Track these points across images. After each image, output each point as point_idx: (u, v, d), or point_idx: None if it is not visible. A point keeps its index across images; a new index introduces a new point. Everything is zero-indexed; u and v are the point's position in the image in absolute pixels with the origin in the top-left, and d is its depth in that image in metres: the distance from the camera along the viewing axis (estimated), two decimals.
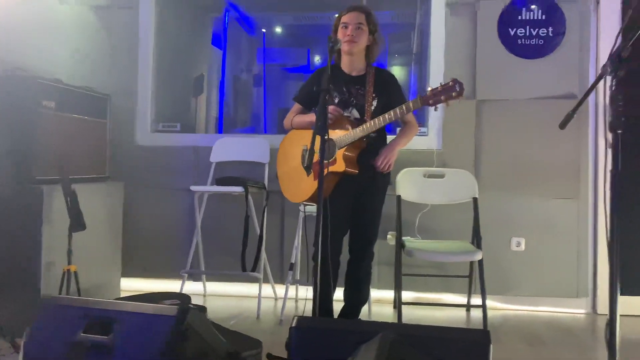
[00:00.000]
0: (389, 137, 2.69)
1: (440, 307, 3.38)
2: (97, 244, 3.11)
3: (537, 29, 3.39)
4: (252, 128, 6.98)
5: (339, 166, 2.47)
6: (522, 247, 3.36)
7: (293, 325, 1.67)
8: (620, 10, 3.31)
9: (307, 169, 2.10)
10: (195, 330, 1.74)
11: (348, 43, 2.51)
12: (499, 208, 3.35)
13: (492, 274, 3.17)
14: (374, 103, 2.58)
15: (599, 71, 1.62)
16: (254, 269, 3.18)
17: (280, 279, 3.51)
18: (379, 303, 3.41)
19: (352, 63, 2.63)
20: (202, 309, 2.81)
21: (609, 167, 1.60)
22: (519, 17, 3.41)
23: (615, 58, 1.52)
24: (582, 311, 3.35)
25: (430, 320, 3.11)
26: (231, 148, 3.55)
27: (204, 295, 3.59)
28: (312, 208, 3.04)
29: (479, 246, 2.94)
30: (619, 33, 1.78)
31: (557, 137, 3.24)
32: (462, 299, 3.34)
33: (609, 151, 1.58)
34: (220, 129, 5.65)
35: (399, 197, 3.10)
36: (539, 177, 3.35)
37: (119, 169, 3.47)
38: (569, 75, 3.36)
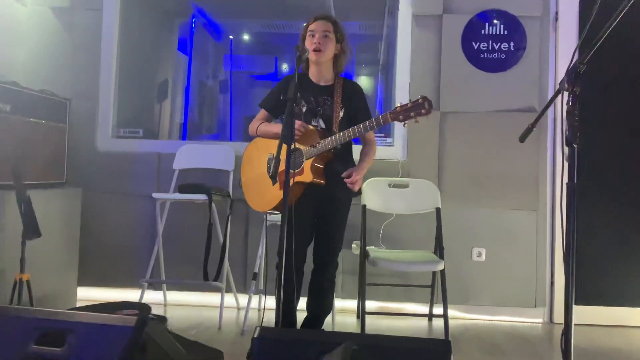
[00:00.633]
0: (355, 147, 2.69)
1: (403, 317, 3.40)
2: (52, 252, 3.01)
3: (499, 44, 3.48)
4: (217, 135, 6.91)
5: (307, 176, 2.46)
6: (483, 257, 3.42)
7: (255, 335, 1.65)
8: (577, 27, 3.43)
9: (273, 178, 2.08)
10: (154, 341, 1.69)
11: (315, 52, 2.52)
12: (460, 218, 3.40)
13: (453, 284, 3.22)
14: (341, 114, 2.59)
15: (557, 86, 1.67)
16: (216, 279, 3.14)
17: (243, 288, 3.47)
18: (343, 313, 3.41)
19: (319, 72, 2.63)
20: (162, 319, 2.76)
21: (566, 179, 1.64)
22: (482, 32, 3.49)
23: (572, 74, 1.57)
24: (540, 320, 3.43)
25: (393, 330, 3.13)
26: (195, 155, 3.50)
27: (165, 305, 3.51)
28: (276, 217, 3.03)
29: (441, 256, 2.98)
30: (576, 49, 1.84)
31: (518, 149, 3.32)
32: (424, 309, 3.37)
33: (566, 164, 1.62)
34: (184, 136, 5.57)
35: (364, 206, 3.12)
36: (499, 188, 3.42)
37: (78, 174, 3.37)
38: (529, 89, 3.45)
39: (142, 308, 2.76)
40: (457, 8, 3.50)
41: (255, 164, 2.68)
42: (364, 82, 7.10)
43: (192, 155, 3.50)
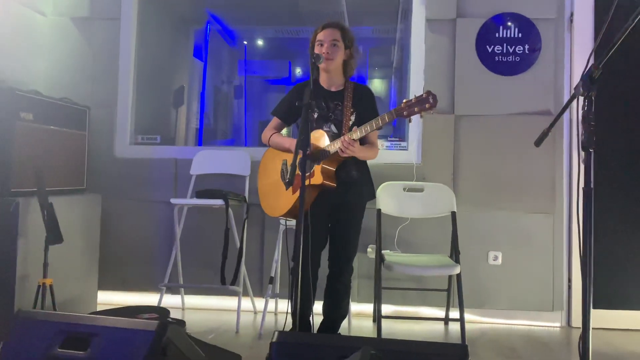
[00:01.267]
0: None
1: (419, 321, 3.40)
2: (73, 257, 3.07)
3: (513, 47, 3.48)
4: (233, 140, 6.97)
5: (317, 179, 2.49)
6: (499, 261, 3.41)
7: (274, 340, 1.68)
8: (592, 29, 3.41)
9: (289, 183, 2.11)
10: (175, 345, 1.73)
11: (325, 61, 2.55)
12: (476, 222, 3.40)
13: (470, 288, 3.21)
14: (352, 118, 2.61)
15: (573, 89, 1.67)
16: (233, 283, 3.17)
17: (259, 292, 3.50)
18: (359, 316, 3.42)
19: (330, 79, 2.67)
20: (180, 322, 2.79)
21: (582, 184, 1.64)
22: (497, 35, 3.49)
23: (587, 79, 1.57)
24: (557, 324, 3.41)
25: (409, 334, 3.13)
26: (212, 160, 3.55)
27: (183, 309, 3.56)
28: (292, 222, 3.05)
29: (457, 260, 2.98)
30: (591, 54, 1.84)
31: (533, 153, 3.31)
32: (440, 313, 3.37)
33: (582, 168, 1.63)
34: (200, 141, 5.63)
35: (379, 210, 3.13)
36: (515, 191, 3.41)
37: (97, 181, 3.43)
38: (544, 92, 3.44)
39: (161, 312, 2.80)
40: (470, 12, 3.51)
41: (270, 170, 2.72)
42: (377, 85, 7.12)
43: (209, 161, 3.54)
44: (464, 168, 3.46)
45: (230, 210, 3.21)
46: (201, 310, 3.55)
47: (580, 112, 1.59)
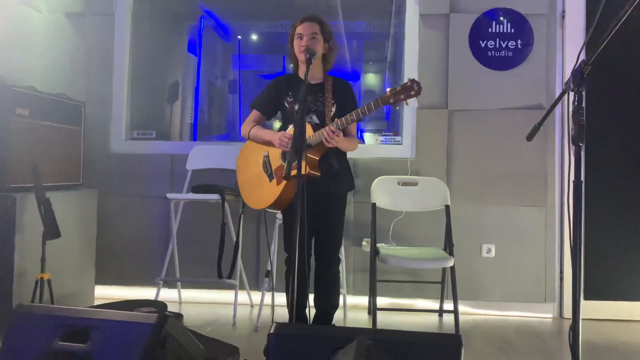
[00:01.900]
0: None
1: (414, 313, 3.44)
2: (71, 252, 3.08)
3: (506, 42, 3.51)
4: (228, 135, 6.97)
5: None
6: (492, 253, 3.46)
7: (271, 331, 1.70)
8: (584, 24, 3.45)
9: (286, 178, 2.13)
10: (174, 337, 1.75)
11: (304, 54, 2.57)
12: (470, 215, 3.44)
13: (463, 280, 3.26)
14: (333, 109, 2.67)
15: (564, 84, 1.70)
16: (230, 276, 3.20)
17: (256, 286, 3.53)
18: (354, 309, 3.46)
19: (309, 72, 2.69)
20: (178, 316, 2.82)
21: (573, 177, 1.68)
22: (489, 30, 3.52)
23: (577, 75, 1.60)
24: (550, 315, 3.46)
25: (404, 326, 3.18)
26: (208, 156, 3.56)
27: (180, 303, 3.58)
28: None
29: (451, 253, 3.02)
30: (582, 49, 1.87)
31: (526, 146, 3.34)
32: (434, 305, 3.41)
33: (573, 161, 1.66)
34: (194, 136, 5.63)
35: (374, 204, 3.16)
36: (508, 185, 3.45)
37: (93, 176, 3.45)
38: (536, 86, 3.48)
39: (158, 306, 2.82)
40: (464, 7, 3.53)
41: (251, 164, 2.75)
42: (371, 79, 7.13)
43: (205, 156, 3.56)
44: (457, 162, 3.50)
45: (226, 204, 3.23)
46: (198, 304, 3.58)
47: (571, 107, 1.62)
